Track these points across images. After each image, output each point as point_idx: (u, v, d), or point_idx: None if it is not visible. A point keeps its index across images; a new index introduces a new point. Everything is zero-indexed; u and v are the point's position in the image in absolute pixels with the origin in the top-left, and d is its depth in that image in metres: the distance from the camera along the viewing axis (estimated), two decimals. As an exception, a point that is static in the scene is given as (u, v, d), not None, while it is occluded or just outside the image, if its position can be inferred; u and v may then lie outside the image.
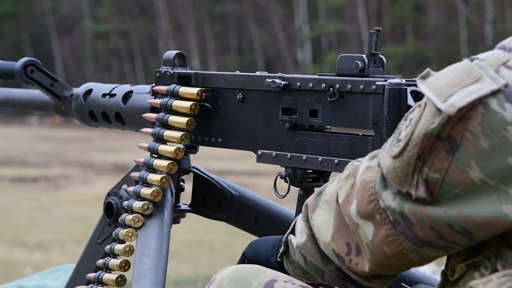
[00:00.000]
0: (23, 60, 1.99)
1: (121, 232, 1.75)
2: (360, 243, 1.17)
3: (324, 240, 1.23)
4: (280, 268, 1.37)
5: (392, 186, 1.12)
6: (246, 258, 1.47)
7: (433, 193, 1.08)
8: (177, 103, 1.71)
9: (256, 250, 1.45)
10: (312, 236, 1.27)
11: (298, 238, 1.29)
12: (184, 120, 1.70)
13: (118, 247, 1.75)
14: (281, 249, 1.35)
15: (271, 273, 1.33)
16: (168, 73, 1.78)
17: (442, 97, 1.07)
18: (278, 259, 1.36)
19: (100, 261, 1.80)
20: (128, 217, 1.74)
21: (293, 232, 1.33)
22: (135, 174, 1.78)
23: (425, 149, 1.08)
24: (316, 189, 1.32)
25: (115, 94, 1.94)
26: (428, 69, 1.14)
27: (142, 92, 1.89)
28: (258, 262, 1.42)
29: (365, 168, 1.18)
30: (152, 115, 1.77)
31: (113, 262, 1.76)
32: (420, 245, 1.12)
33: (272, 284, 1.27)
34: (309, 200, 1.29)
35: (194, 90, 1.70)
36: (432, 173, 1.08)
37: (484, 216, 1.06)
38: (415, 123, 1.08)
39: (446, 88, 1.07)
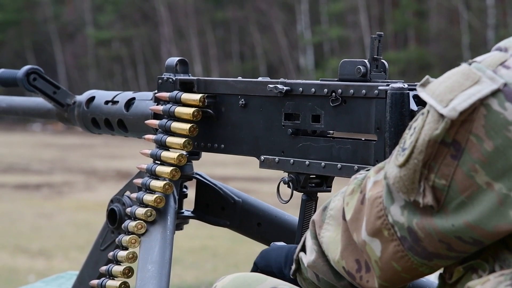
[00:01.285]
0: (26, 68, 1.99)
1: (124, 238, 1.75)
2: (368, 260, 1.16)
3: (334, 257, 1.22)
4: (294, 280, 1.36)
5: (399, 199, 1.11)
6: (258, 268, 1.45)
7: (440, 200, 1.07)
8: (179, 110, 1.71)
9: (268, 261, 1.44)
10: (322, 253, 1.26)
11: (308, 256, 1.28)
12: (186, 126, 1.70)
13: (122, 253, 1.75)
14: (293, 267, 1.33)
15: (271, 281, 1.33)
16: (171, 80, 1.78)
17: (443, 102, 1.06)
18: (291, 276, 1.35)
19: (103, 268, 1.79)
20: (131, 224, 1.74)
21: (303, 249, 1.31)
22: (138, 181, 1.77)
23: (431, 156, 1.07)
24: (319, 203, 1.32)
25: (117, 101, 1.94)
26: (427, 76, 1.14)
27: (144, 99, 1.89)
28: (271, 273, 1.41)
29: (372, 184, 1.17)
30: (154, 122, 1.77)
31: (117, 268, 1.76)
32: (430, 258, 1.11)
33: None
34: (315, 217, 1.27)
35: (197, 97, 1.70)
36: (438, 179, 1.07)
37: (493, 225, 1.05)
38: (419, 131, 1.08)
39: (446, 93, 1.07)
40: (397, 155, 1.11)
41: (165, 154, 1.73)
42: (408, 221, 1.10)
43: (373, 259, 1.15)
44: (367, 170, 1.27)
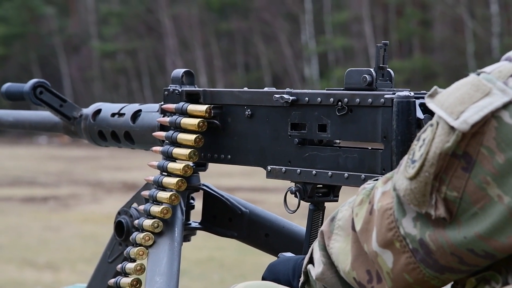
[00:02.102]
0: (32, 81, 1.99)
1: (132, 250, 1.75)
2: (380, 271, 1.15)
3: (344, 268, 1.21)
4: None
5: (411, 211, 1.10)
6: None
7: (452, 212, 1.06)
8: (185, 121, 1.72)
9: (276, 274, 1.43)
10: (330, 265, 1.25)
11: (316, 269, 1.27)
12: (192, 137, 1.71)
13: (129, 266, 1.75)
14: (301, 279, 1.32)
15: None
16: (177, 91, 1.78)
17: (453, 114, 1.05)
18: None
19: (111, 280, 1.79)
20: (139, 236, 1.74)
21: (311, 261, 1.31)
22: (146, 193, 1.78)
23: (442, 168, 1.06)
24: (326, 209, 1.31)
25: (124, 114, 1.94)
26: (435, 87, 1.13)
27: (151, 111, 1.89)
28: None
29: (381, 194, 1.15)
30: (161, 134, 1.77)
31: (125, 281, 1.76)
32: (442, 272, 1.10)
33: None
34: (324, 227, 1.26)
35: (203, 108, 1.70)
36: (450, 191, 1.06)
37: (506, 236, 1.04)
38: (429, 143, 1.07)
39: (456, 105, 1.06)
40: (406, 167, 1.10)
41: (171, 165, 1.73)
42: (421, 233, 1.09)
43: (385, 271, 1.14)
44: (375, 180, 1.26)
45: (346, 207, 1.24)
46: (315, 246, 1.29)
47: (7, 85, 2.06)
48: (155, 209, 1.73)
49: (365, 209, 1.18)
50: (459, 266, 1.09)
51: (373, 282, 1.17)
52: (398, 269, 1.12)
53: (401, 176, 1.11)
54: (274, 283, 1.39)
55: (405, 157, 1.13)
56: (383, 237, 1.13)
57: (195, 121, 1.70)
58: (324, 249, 1.25)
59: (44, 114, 2.14)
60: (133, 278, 1.76)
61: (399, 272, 1.12)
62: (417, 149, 1.09)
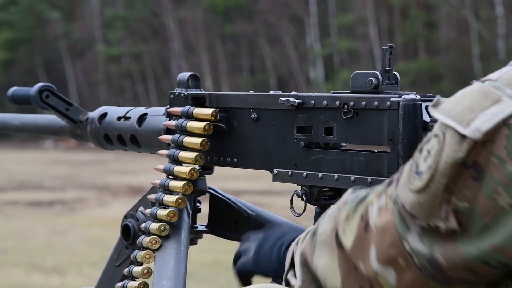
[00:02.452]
0: (38, 85, 2.00)
1: (139, 254, 1.75)
2: None
3: (335, 285, 1.18)
4: None
5: (414, 225, 1.07)
6: (253, 274, 1.46)
7: (462, 224, 1.03)
8: (191, 124, 1.72)
9: (264, 268, 1.43)
10: (312, 281, 1.22)
11: (298, 282, 1.24)
12: (198, 140, 1.71)
13: (136, 269, 1.75)
14: (284, 283, 1.31)
15: None
16: (183, 95, 1.78)
17: (463, 122, 1.02)
18: None
19: (118, 284, 1.79)
20: (145, 239, 1.74)
21: (292, 265, 1.28)
22: (152, 196, 1.78)
23: (452, 179, 1.03)
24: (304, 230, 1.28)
25: (130, 117, 1.94)
26: (438, 96, 1.10)
27: (156, 114, 1.89)
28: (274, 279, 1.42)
29: (378, 211, 1.11)
30: (167, 137, 1.77)
31: (132, 284, 1.76)
32: (453, 284, 1.07)
33: None
34: (305, 245, 1.23)
35: (209, 111, 1.70)
36: (460, 202, 1.02)
37: None
38: (438, 154, 1.04)
39: (465, 113, 1.03)
40: (410, 179, 1.07)
41: (177, 168, 1.73)
42: (430, 249, 1.06)
43: None
44: (353, 193, 1.21)
45: (326, 220, 1.21)
46: (296, 260, 1.26)
47: (13, 89, 2.07)
48: (162, 212, 1.73)
49: (355, 225, 1.14)
50: (471, 277, 1.06)
51: None
52: (403, 285, 1.09)
53: (404, 189, 1.08)
54: (279, 285, 1.38)
55: (405, 169, 1.09)
56: (385, 254, 1.09)
57: (201, 124, 1.70)
58: (305, 265, 1.23)
59: (50, 118, 2.14)
60: (140, 281, 1.76)
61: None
62: (422, 160, 1.06)
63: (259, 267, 1.43)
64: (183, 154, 1.72)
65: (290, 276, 1.28)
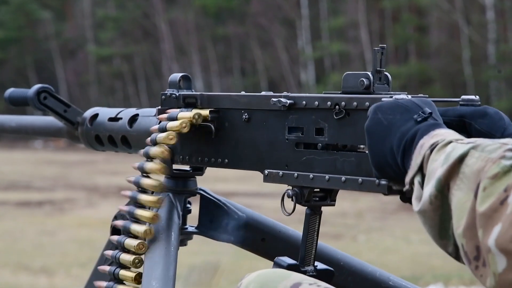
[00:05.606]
0: (36, 87, 1.99)
1: (124, 256, 1.74)
2: (487, 264, 1.05)
3: (457, 228, 1.09)
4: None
5: None
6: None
7: None
8: (171, 124, 1.70)
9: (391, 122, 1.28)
10: (438, 207, 1.13)
11: (421, 203, 1.15)
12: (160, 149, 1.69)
13: (124, 272, 1.75)
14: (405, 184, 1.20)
15: (296, 276, 1.32)
16: (174, 96, 1.78)
17: None
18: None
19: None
20: (131, 242, 1.74)
21: (421, 169, 1.17)
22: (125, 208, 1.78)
23: None
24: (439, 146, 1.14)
25: (121, 118, 1.93)
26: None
27: (148, 115, 1.89)
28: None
29: None
30: (148, 140, 1.76)
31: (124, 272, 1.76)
32: None
33: (297, 287, 1.25)
34: (449, 168, 1.11)
35: (190, 114, 1.69)
36: None
37: None
38: None
39: None
40: None
41: (148, 165, 1.72)
42: None
43: (492, 270, 1.03)
44: None
45: (478, 155, 1.09)
46: (432, 172, 1.14)
47: (10, 91, 2.06)
48: (137, 228, 1.73)
49: (496, 192, 1.04)
50: None
51: (480, 261, 1.06)
52: (507, 276, 1.02)
53: None
54: (286, 270, 1.37)
55: None
56: (505, 242, 1.02)
57: (177, 122, 1.68)
58: (441, 190, 1.12)
59: (48, 119, 2.13)
60: (135, 256, 1.75)
61: (508, 279, 1.02)
62: None
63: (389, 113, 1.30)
64: (148, 166, 1.72)
65: (416, 181, 1.18)
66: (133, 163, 1.74)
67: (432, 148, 1.17)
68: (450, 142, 1.16)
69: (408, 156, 1.22)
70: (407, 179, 1.20)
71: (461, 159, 1.11)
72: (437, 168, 1.14)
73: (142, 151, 1.74)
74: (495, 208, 1.03)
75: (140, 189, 1.75)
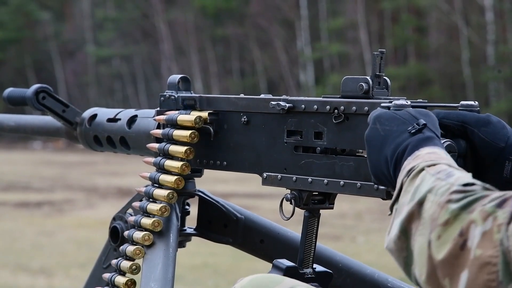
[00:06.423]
0: (35, 87, 1.99)
1: (128, 248, 1.75)
2: None
3: (420, 275, 1.07)
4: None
5: None
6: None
7: None
8: (177, 133, 1.71)
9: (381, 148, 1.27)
10: (402, 249, 1.10)
11: (388, 239, 1.13)
12: (183, 149, 1.69)
13: (119, 279, 1.76)
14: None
15: (288, 282, 1.32)
16: (173, 97, 1.78)
17: None
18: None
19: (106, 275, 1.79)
20: (129, 248, 1.74)
21: (398, 197, 1.15)
22: (137, 204, 1.78)
23: None
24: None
25: (119, 119, 1.94)
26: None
27: (146, 116, 1.89)
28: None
29: (481, 236, 0.99)
30: (155, 145, 1.76)
31: (119, 279, 1.76)
32: None
33: None
34: (411, 207, 1.09)
35: (192, 117, 1.69)
36: None
37: None
38: None
39: None
40: None
41: (163, 177, 1.72)
42: None
43: None
44: (462, 191, 1.06)
45: (432, 198, 1.08)
46: (398, 219, 1.11)
47: (9, 90, 2.06)
48: (146, 221, 1.73)
49: (451, 238, 1.02)
50: None
51: None
52: None
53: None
54: (279, 276, 1.38)
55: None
56: None
57: (187, 132, 1.69)
58: (404, 232, 1.10)
59: (47, 119, 2.13)
60: (128, 279, 1.76)
61: None
62: None
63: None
64: (169, 163, 1.72)
65: (394, 209, 1.16)
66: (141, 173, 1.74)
67: (409, 174, 1.16)
68: (422, 170, 1.14)
69: (399, 169, 1.22)
70: (390, 204, 1.19)
71: (420, 203, 1.10)
72: (404, 205, 1.13)
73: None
74: (455, 254, 1.01)
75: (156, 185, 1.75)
